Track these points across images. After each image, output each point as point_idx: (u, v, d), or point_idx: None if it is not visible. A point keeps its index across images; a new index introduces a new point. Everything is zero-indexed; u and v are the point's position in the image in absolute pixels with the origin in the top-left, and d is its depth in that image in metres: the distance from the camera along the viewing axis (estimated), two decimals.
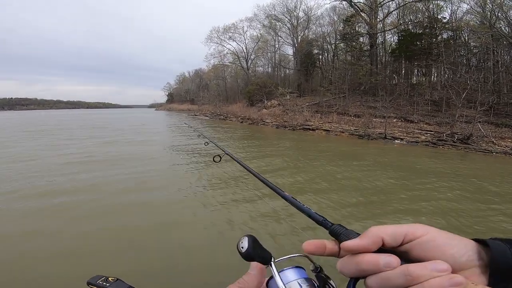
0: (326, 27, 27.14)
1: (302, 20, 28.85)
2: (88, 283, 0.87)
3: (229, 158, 1.21)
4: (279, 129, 16.74)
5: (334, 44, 25.72)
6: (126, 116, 40.81)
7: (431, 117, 14.37)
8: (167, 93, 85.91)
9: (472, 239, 0.31)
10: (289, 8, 28.87)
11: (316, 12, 27.68)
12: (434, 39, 17.93)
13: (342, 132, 13.21)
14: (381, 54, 21.98)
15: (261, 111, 23.67)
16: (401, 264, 0.29)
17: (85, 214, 3.78)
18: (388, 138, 11.55)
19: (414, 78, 20.30)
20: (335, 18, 25.57)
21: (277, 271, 0.36)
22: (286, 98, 23.50)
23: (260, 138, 13.03)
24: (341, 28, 24.35)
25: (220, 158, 1.31)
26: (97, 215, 3.76)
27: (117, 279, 0.89)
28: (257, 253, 0.37)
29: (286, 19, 29.80)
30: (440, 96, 15.05)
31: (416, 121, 13.97)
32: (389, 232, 0.31)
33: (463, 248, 0.30)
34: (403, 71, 21.16)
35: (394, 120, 14.28)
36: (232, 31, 36.59)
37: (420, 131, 12.75)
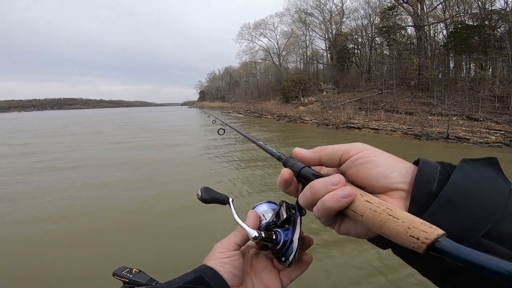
0: (361, 20, 25.60)
1: (335, 13, 27.48)
2: (114, 274, 0.93)
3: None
4: (320, 127, 16.07)
5: (372, 38, 24.21)
6: (176, 113, 42.59)
7: (498, 114, 12.72)
8: (199, 91, 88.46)
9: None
10: (320, 1, 27.58)
11: (350, 5, 26.16)
12: (494, 31, 15.93)
13: (394, 131, 12.20)
14: (429, 47, 20.08)
15: (298, 108, 23.07)
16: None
17: None
18: (451, 138, 10.39)
19: (472, 72, 18.26)
20: (370, 12, 23.97)
21: (234, 209, 0.45)
22: (323, 95, 22.64)
23: (308, 137, 12.59)
24: (377, 21, 22.79)
25: (224, 131, 1.29)
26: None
27: (140, 271, 0.94)
28: (211, 197, 0.47)
29: (317, 13, 28.56)
30: (507, 91, 13.32)
31: (481, 119, 12.44)
32: (328, 152, 0.32)
33: (391, 168, 0.29)
34: (453, 65, 19.23)
35: (454, 118, 12.87)
36: (262, 27, 36.19)
37: (487, 130, 11.31)
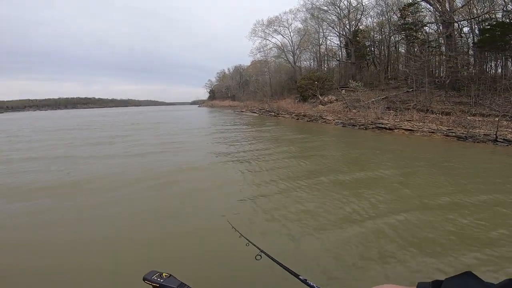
0: (378, 17, 24.71)
1: (352, 10, 26.52)
2: (144, 279, 0.94)
3: None
4: (346, 127, 15.34)
5: (390, 36, 23.39)
6: (195, 113, 42.51)
7: None
8: (209, 90, 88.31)
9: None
10: None
11: (367, 1, 25.21)
12: None
13: (432, 132, 11.40)
14: (460, 45, 19.01)
15: (317, 108, 22.35)
16: None
17: None
18: (500, 141, 9.55)
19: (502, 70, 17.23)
20: (386, 9, 23.19)
21: None
22: (343, 93, 21.87)
23: (345, 142, 11.93)
24: (396, 18, 21.92)
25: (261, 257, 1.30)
26: None
27: (170, 275, 0.95)
28: None
29: (332, 9, 27.62)
30: None
31: None
32: None
33: None
34: (478, 63, 18.17)
35: (496, 119, 11.95)
36: (276, 24, 35.32)
37: None
